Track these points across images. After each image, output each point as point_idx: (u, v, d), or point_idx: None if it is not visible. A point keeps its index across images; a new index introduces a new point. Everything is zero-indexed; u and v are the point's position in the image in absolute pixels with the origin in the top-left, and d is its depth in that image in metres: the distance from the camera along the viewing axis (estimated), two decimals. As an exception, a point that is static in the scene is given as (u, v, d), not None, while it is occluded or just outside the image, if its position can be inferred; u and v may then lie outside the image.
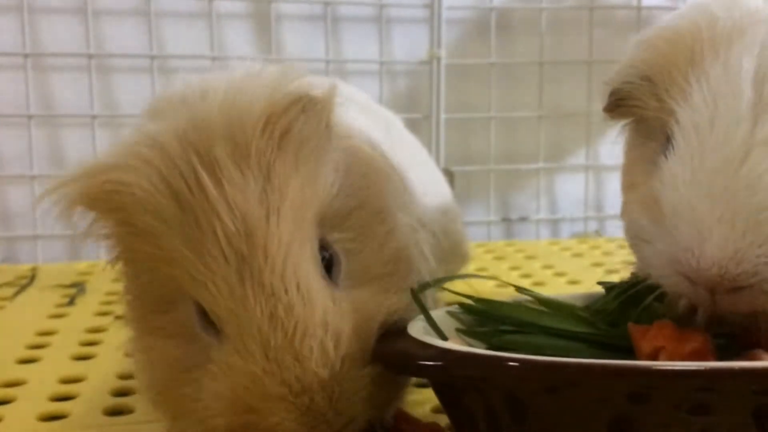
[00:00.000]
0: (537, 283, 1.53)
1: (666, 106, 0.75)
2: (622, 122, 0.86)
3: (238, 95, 0.73)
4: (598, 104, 0.85)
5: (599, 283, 0.86)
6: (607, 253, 1.78)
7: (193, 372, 0.71)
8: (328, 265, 0.74)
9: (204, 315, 0.70)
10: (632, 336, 0.71)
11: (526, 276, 1.59)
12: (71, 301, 1.44)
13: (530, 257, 1.76)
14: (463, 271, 1.31)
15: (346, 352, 0.69)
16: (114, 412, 0.97)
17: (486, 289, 1.33)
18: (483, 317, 0.82)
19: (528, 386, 0.63)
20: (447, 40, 1.94)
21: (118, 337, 1.00)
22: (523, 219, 2.10)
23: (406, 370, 0.71)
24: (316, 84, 0.78)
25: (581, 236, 2.05)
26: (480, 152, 2.02)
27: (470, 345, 0.77)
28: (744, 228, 0.65)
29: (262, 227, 0.68)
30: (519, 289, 0.85)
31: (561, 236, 2.11)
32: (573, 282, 1.54)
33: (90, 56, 1.79)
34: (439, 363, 0.66)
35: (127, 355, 1.02)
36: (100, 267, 0.79)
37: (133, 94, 1.85)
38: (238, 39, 1.91)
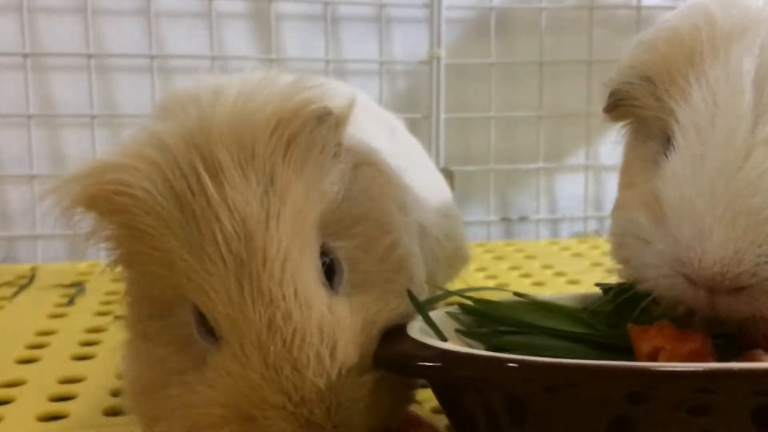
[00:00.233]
0: (537, 283, 1.53)
1: (666, 106, 0.75)
2: (622, 123, 0.86)
3: (250, 99, 0.73)
4: (598, 104, 0.85)
5: (597, 284, 0.86)
6: (606, 253, 1.77)
7: (185, 375, 0.70)
8: (329, 271, 0.73)
9: (202, 319, 0.70)
10: (631, 336, 0.71)
11: (526, 276, 1.59)
12: (71, 301, 1.44)
13: (530, 257, 1.76)
14: (463, 272, 1.31)
15: (343, 361, 0.68)
16: (113, 412, 0.97)
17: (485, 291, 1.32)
18: (482, 318, 0.82)
19: (527, 387, 0.63)
20: (447, 40, 1.93)
21: (117, 337, 1.00)
22: (523, 219, 2.10)
23: (405, 371, 0.71)
24: (336, 94, 0.77)
25: (581, 236, 2.05)
26: (480, 152, 2.03)
27: (469, 346, 0.77)
28: (745, 228, 0.65)
29: (261, 230, 0.68)
30: (518, 294, 0.85)
31: (561, 236, 2.11)
32: (573, 282, 1.54)
33: (90, 56, 1.79)
34: (439, 364, 0.66)
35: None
36: (100, 267, 0.78)
37: (133, 94, 1.86)
38: (238, 39, 1.91)
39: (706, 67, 0.72)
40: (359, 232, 0.76)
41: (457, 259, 1.21)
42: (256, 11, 1.92)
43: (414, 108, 1.96)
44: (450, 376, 0.68)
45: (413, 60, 1.98)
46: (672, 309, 0.71)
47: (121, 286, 0.81)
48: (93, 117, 1.80)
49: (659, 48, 0.77)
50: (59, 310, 1.39)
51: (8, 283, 1.57)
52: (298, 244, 0.69)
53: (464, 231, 1.26)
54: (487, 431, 0.68)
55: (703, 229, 0.66)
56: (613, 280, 0.84)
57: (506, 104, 2.02)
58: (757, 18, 0.74)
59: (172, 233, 0.69)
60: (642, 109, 0.79)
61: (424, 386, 0.80)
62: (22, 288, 1.54)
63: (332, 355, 0.67)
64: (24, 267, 1.70)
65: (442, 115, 1.95)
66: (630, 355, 0.70)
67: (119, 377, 1.07)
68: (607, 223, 0.85)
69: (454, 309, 0.84)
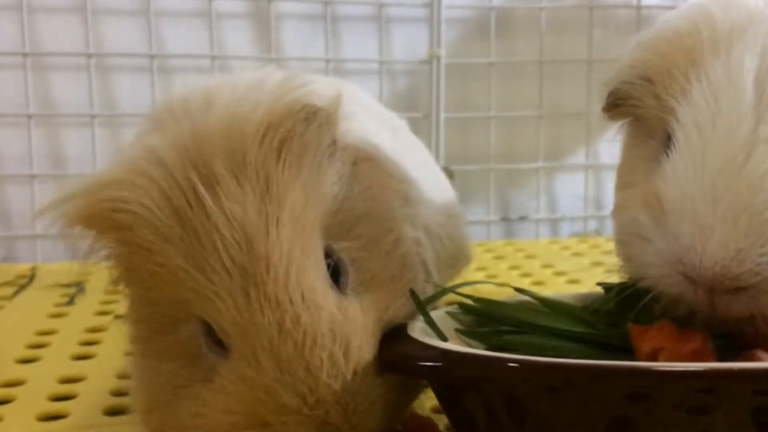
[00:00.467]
0: (536, 283, 1.53)
1: (666, 105, 0.75)
2: (620, 122, 0.86)
3: (239, 105, 0.72)
4: (598, 104, 0.85)
5: (598, 284, 0.86)
6: (606, 252, 1.75)
7: (195, 388, 0.70)
8: (335, 273, 0.72)
9: (210, 333, 0.69)
10: (632, 336, 0.71)
11: (526, 275, 1.59)
12: (71, 301, 1.44)
13: (530, 256, 1.76)
14: (465, 272, 1.31)
15: (358, 362, 0.67)
16: (113, 411, 0.97)
17: (486, 289, 1.32)
18: (482, 318, 0.82)
19: (528, 386, 0.63)
20: (447, 40, 1.93)
21: (117, 336, 1.00)
22: (523, 218, 2.10)
23: (406, 371, 0.71)
24: (322, 92, 0.76)
25: (581, 235, 2.05)
26: (480, 151, 2.02)
27: (470, 345, 0.77)
28: (746, 227, 0.65)
29: (262, 238, 0.67)
30: (518, 289, 0.85)
31: (561, 235, 2.11)
32: (573, 281, 1.54)
33: (89, 55, 1.79)
34: (439, 364, 0.66)
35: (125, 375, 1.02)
36: (100, 267, 0.78)
37: (133, 94, 1.85)
38: (238, 38, 1.91)
39: (707, 66, 0.72)
40: (362, 232, 0.76)
41: (459, 260, 1.21)
42: (256, 11, 1.91)
43: (414, 107, 1.96)
44: (450, 376, 0.68)
45: (413, 59, 1.97)
46: (673, 308, 0.71)
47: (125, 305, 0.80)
48: (93, 116, 1.80)
49: (659, 48, 0.77)
50: (59, 310, 1.39)
51: (8, 283, 1.57)
52: (301, 247, 0.68)
53: (467, 231, 1.26)
54: (487, 431, 0.68)
55: (704, 228, 0.66)
56: (613, 279, 0.84)
57: (506, 104, 2.02)
58: (757, 18, 0.74)
59: (173, 248, 0.68)
60: (641, 108, 0.79)
61: (425, 385, 0.80)
62: (22, 288, 1.54)
63: (346, 356, 0.67)
64: (24, 267, 1.70)
65: (442, 115, 1.95)
66: (630, 355, 0.70)
67: (120, 377, 1.07)
68: (607, 222, 0.85)
69: (454, 309, 0.84)
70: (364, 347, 0.68)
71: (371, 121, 1.05)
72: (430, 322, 0.78)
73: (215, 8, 1.83)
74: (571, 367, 0.60)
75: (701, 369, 0.59)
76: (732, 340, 0.71)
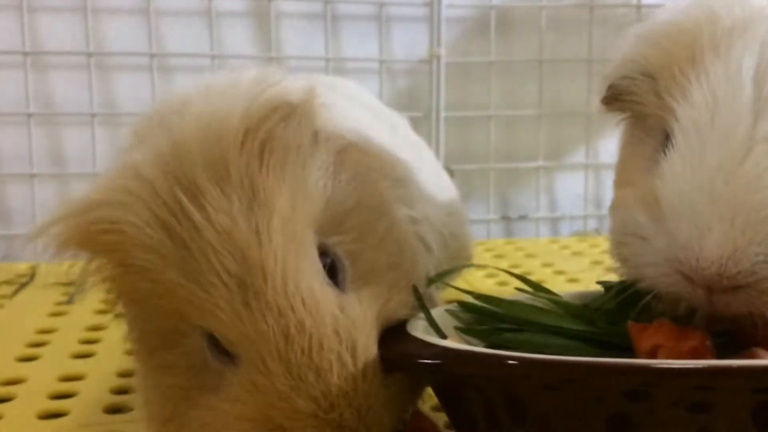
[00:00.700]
0: (536, 282, 1.53)
1: (666, 104, 0.74)
2: (619, 116, 0.85)
3: (214, 112, 0.70)
4: (598, 99, 0.85)
5: (599, 282, 0.86)
6: (606, 251, 1.77)
7: (205, 398, 0.69)
8: (332, 270, 0.71)
9: (215, 343, 0.68)
10: (631, 334, 0.71)
11: (526, 274, 1.58)
12: (71, 299, 1.44)
13: (530, 255, 1.76)
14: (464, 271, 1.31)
15: (366, 361, 0.67)
16: (113, 409, 0.97)
17: (486, 286, 1.33)
18: (482, 315, 0.82)
19: (527, 384, 0.63)
20: (447, 39, 1.93)
21: (117, 335, 1.00)
22: (523, 217, 2.10)
23: (405, 369, 0.71)
24: (296, 87, 0.74)
25: (581, 234, 2.05)
26: (480, 150, 2.02)
27: (469, 343, 0.77)
28: (744, 226, 0.65)
29: (254, 247, 0.66)
30: (519, 289, 0.85)
31: (561, 234, 2.11)
32: (572, 280, 1.54)
33: (89, 54, 1.79)
34: (438, 361, 0.66)
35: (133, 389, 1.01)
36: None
37: (133, 93, 1.86)
38: (238, 37, 1.91)
39: (707, 65, 0.72)
40: (354, 224, 0.74)
41: (460, 259, 1.21)
42: (256, 9, 1.92)
43: (414, 106, 1.96)
44: (449, 373, 0.68)
45: (413, 58, 1.97)
46: (672, 307, 0.71)
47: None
48: (93, 115, 1.80)
49: (662, 43, 0.77)
50: (59, 308, 1.39)
51: (8, 282, 1.57)
52: (294, 251, 0.67)
53: (469, 230, 1.26)
54: (486, 428, 0.68)
55: (702, 227, 0.66)
56: (613, 278, 0.84)
57: (506, 103, 2.02)
58: (758, 16, 0.73)
59: (167, 263, 0.67)
60: (641, 105, 0.79)
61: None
62: (22, 286, 1.54)
63: (353, 357, 0.66)
64: (24, 265, 1.70)
65: (442, 114, 1.95)
66: (630, 352, 0.70)
67: (120, 375, 1.07)
68: (607, 221, 0.85)
69: (453, 306, 0.84)
70: (370, 346, 0.68)
71: (365, 114, 1.04)
72: (430, 320, 0.78)
73: (215, 7, 1.83)
74: (570, 364, 0.60)
75: (700, 366, 0.59)
76: (731, 338, 0.71)
